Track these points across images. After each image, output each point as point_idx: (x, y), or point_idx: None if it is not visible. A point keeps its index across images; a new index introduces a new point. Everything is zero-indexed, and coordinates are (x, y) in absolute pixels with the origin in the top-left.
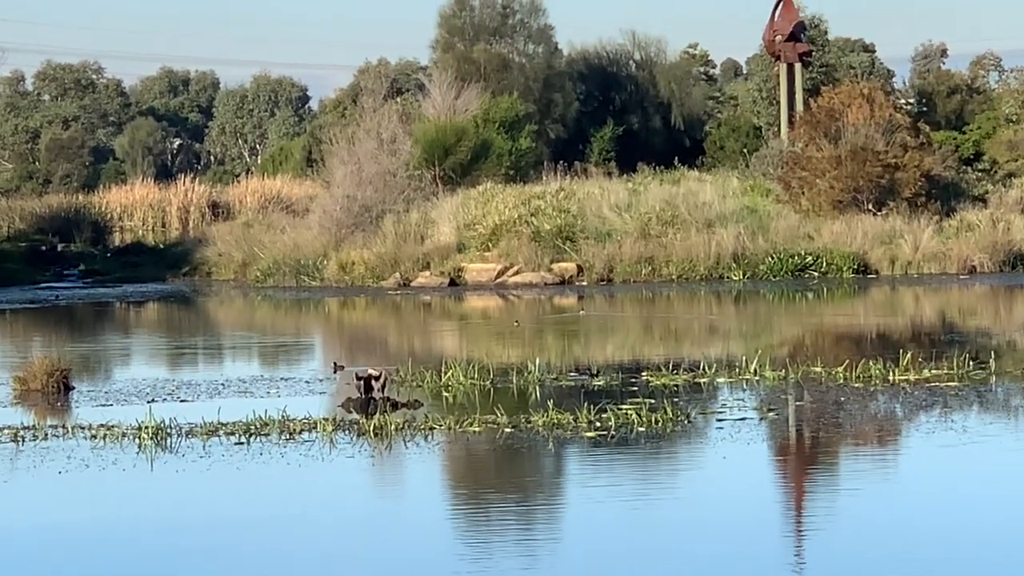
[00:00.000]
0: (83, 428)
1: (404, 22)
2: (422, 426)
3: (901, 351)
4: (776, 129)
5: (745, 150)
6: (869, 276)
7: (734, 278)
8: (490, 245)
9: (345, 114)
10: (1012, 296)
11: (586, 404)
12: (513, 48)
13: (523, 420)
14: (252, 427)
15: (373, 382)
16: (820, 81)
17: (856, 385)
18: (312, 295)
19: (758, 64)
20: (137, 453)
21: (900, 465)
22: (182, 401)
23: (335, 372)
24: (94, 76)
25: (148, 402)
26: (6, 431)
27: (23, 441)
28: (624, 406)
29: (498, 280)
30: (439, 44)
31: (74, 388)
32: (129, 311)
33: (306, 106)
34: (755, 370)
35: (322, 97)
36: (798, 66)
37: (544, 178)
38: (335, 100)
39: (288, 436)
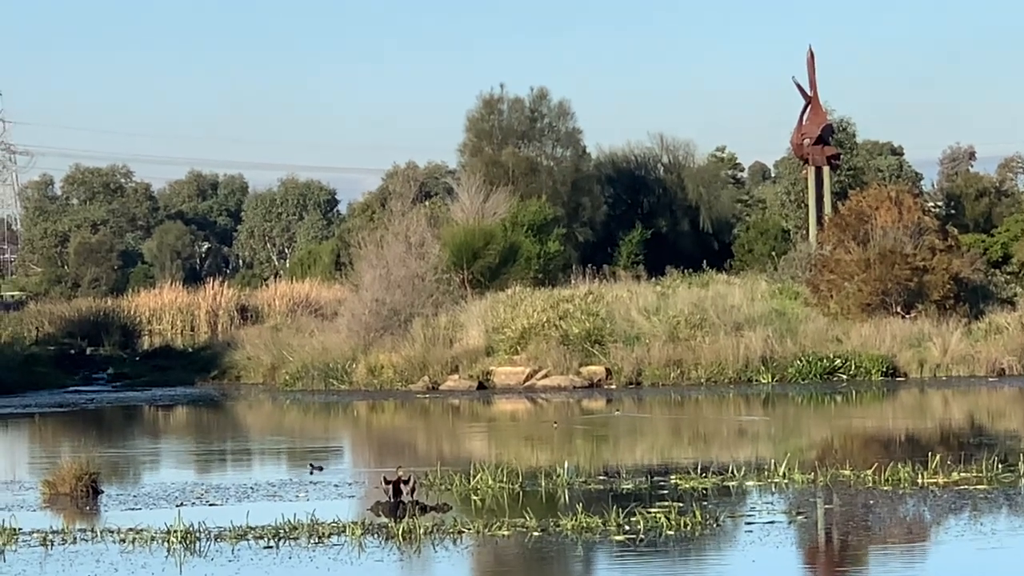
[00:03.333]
0: (112, 532)
1: (433, 126)
2: (451, 530)
3: (930, 454)
4: (804, 232)
5: (773, 253)
6: (898, 379)
7: (763, 381)
8: (519, 348)
9: (374, 218)
10: None
11: (615, 507)
12: (541, 151)
13: (552, 524)
14: (281, 531)
15: (402, 486)
16: (848, 184)
17: (885, 488)
18: (341, 399)
19: (786, 167)
20: (166, 557)
21: (928, 568)
22: (211, 505)
23: (311, 473)
24: (123, 180)
25: (177, 506)
26: (35, 535)
27: (52, 545)
28: (653, 509)
29: (527, 383)
30: (467, 148)
31: (103, 492)
32: (158, 415)
33: (335, 209)
34: (784, 473)
35: (351, 201)
36: (826, 169)
37: (573, 281)
38: (364, 204)
39: (317, 540)
